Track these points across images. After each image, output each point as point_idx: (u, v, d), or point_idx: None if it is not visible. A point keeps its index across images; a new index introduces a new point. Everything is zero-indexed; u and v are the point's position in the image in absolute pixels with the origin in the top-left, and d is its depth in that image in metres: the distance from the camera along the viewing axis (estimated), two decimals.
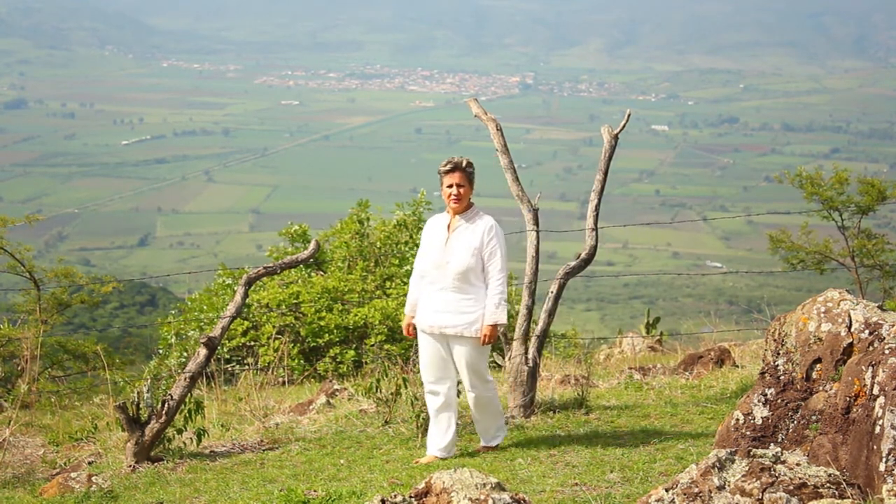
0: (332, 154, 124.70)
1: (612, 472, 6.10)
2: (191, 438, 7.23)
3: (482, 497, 4.41)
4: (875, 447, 4.24)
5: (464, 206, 6.39)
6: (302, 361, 12.77)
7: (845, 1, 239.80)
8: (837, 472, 4.25)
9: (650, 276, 62.02)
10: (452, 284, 6.33)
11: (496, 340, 6.46)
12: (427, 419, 7.25)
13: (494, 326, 6.29)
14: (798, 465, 4.22)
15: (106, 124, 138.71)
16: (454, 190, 6.34)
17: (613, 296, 65.04)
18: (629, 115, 8.47)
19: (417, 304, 6.58)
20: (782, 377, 5.17)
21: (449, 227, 6.43)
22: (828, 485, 4.14)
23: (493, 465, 6.43)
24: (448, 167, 6.38)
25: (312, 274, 13.97)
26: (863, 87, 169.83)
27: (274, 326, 12.62)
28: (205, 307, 13.40)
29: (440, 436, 6.56)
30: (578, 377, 8.92)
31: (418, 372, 7.64)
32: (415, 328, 6.63)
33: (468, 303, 6.31)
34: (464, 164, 6.37)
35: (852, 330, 5.01)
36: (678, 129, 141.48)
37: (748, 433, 5.15)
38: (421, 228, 14.07)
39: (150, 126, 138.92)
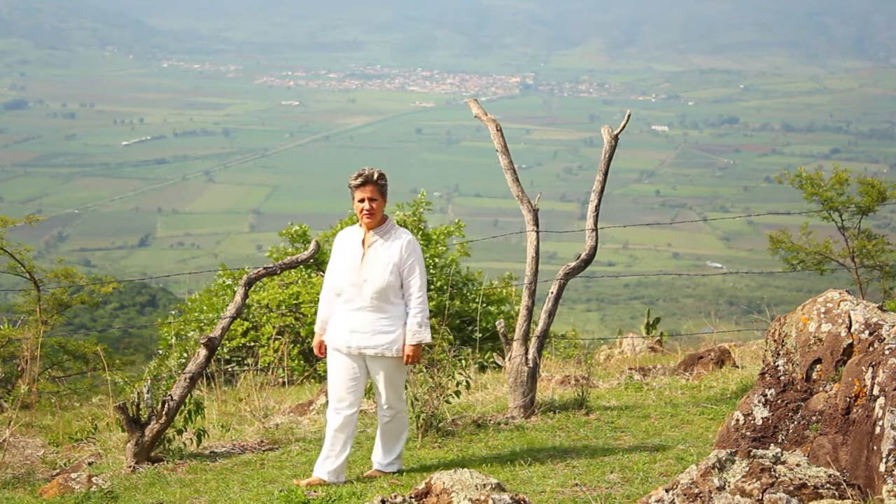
0: (333, 154, 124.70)
1: (612, 472, 6.10)
2: (191, 439, 7.23)
3: (482, 497, 4.41)
4: (875, 448, 4.24)
5: (378, 221, 6.04)
6: (302, 362, 12.76)
7: (845, 1, 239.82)
8: (837, 473, 4.25)
9: (650, 276, 62.01)
10: (370, 303, 6.01)
11: (419, 360, 6.26)
12: (427, 419, 7.26)
13: (418, 346, 6.04)
14: (798, 465, 4.22)
15: (106, 124, 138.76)
16: (366, 204, 5.97)
17: (614, 296, 65.02)
18: (629, 116, 8.47)
19: (328, 321, 6.24)
20: (782, 378, 5.17)
21: (364, 242, 6.08)
22: (828, 485, 4.14)
23: (493, 465, 6.43)
24: (359, 180, 6.00)
25: (312, 274, 13.96)
26: (863, 87, 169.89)
27: (274, 327, 12.62)
28: (205, 308, 13.40)
29: (332, 459, 6.17)
30: (578, 378, 8.92)
31: (418, 372, 7.64)
32: (326, 347, 6.30)
33: (387, 322, 6.02)
34: (375, 176, 6.00)
35: (852, 330, 5.01)
36: (678, 130, 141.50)
37: (748, 434, 5.15)
38: (421, 229, 14.08)
39: (151, 126, 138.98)
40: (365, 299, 6.01)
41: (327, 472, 6.15)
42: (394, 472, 6.32)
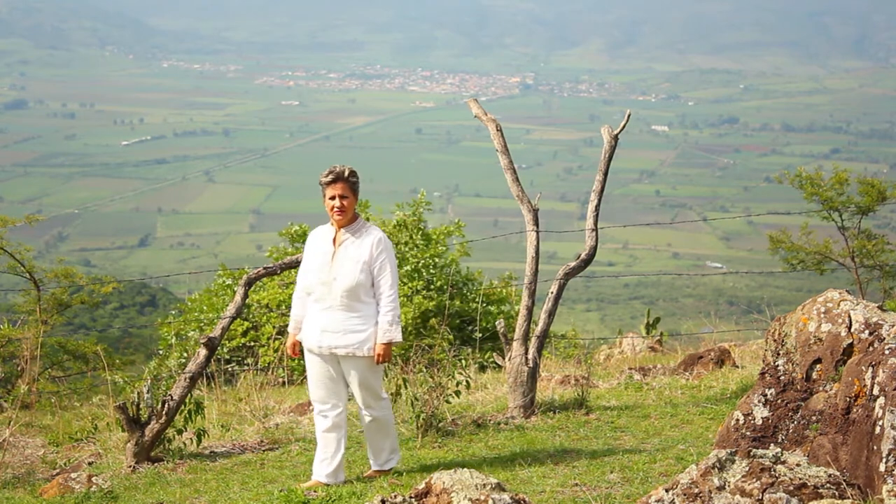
0: (333, 154, 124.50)
1: (612, 472, 6.10)
2: (191, 439, 7.23)
3: (482, 497, 4.41)
4: (875, 447, 4.24)
5: (348, 219, 5.99)
6: (302, 362, 12.75)
7: (845, 1, 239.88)
8: (837, 473, 4.25)
9: (650, 276, 62.00)
10: (340, 302, 5.93)
11: (390, 360, 6.14)
12: (427, 419, 7.25)
13: (389, 344, 5.94)
14: (798, 465, 4.22)
15: (106, 124, 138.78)
16: (337, 202, 5.93)
17: (613, 296, 65.04)
18: (629, 116, 8.48)
19: (302, 321, 6.17)
20: (782, 377, 5.17)
21: (335, 241, 6.02)
22: (828, 485, 4.14)
23: (494, 465, 6.43)
24: (330, 178, 5.95)
25: None
26: (863, 87, 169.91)
27: (274, 327, 12.62)
28: (205, 307, 13.40)
29: (327, 461, 6.13)
30: (578, 377, 8.92)
31: (418, 372, 7.65)
32: (301, 347, 6.25)
33: (357, 321, 5.93)
34: (346, 173, 5.96)
35: (852, 330, 5.01)
36: (678, 130, 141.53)
37: (748, 433, 5.15)
38: (421, 229, 14.07)
39: (151, 126, 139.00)
40: (335, 298, 5.94)
41: (325, 475, 6.13)
42: (392, 469, 6.29)
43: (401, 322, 5.99)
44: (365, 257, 5.92)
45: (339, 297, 5.93)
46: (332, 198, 5.95)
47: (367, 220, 13.08)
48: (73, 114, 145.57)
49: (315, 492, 5.94)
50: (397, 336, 5.93)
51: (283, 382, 10.97)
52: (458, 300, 13.43)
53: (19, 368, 12.01)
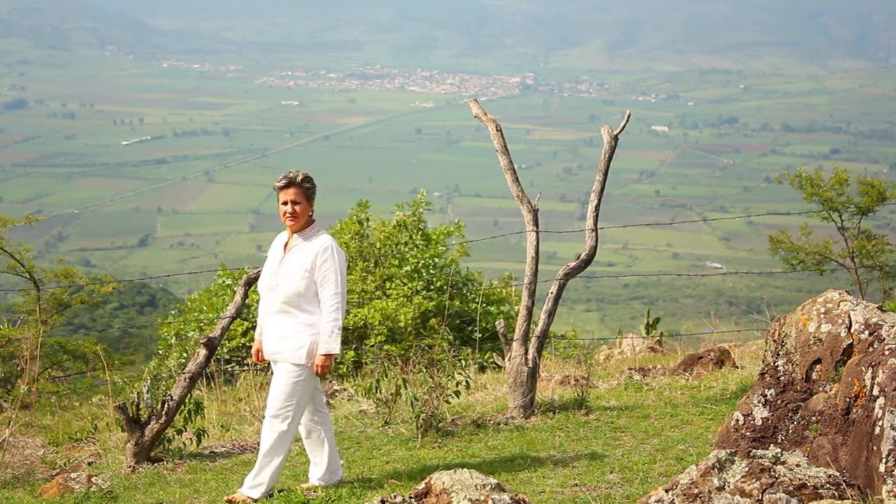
0: (333, 154, 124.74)
1: (611, 472, 6.11)
2: (191, 439, 7.23)
3: (482, 498, 4.41)
4: (875, 448, 4.24)
5: (301, 225, 5.89)
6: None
7: (845, 1, 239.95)
8: (837, 473, 4.25)
9: (650, 276, 62.00)
10: (281, 308, 5.83)
11: (330, 372, 5.92)
12: (427, 419, 7.26)
13: (327, 356, 5.74)
14: (798, 465, 4.22)
15: (106, 124, 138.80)
16: (289, 207, 5.84)
17: (613, 296, 65.05)
18: (629, 116, 8.47)
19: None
20: (782, 378, 5.17)
21: (286, 246, 5.97)
22: (827, 485, 4.14)
23: (493, 465, 6.43)
24: (283, 182, 5.85)
25: None
26: (863, 87, 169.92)
27: None
28: (204, 308, 13.40)
29: (319, 465, 6.07)
30: (578, 378, 8.92)
31: (418, 373, 7.65)
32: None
33: (297, 328, 5.78)
34: (299, 178, 5.86)
35: (852, 331, 5.01)
36: (678, 130, 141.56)
37: (748, 434, 5.15)
38: (421, 229, 14.08)
39: (151, 126, 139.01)
40: (277, 304, 5.84)
41: (318, 478, 6.08)
42: (334, 484, 6.03)
43: (341, 333, 5.77)
44: (308, 265, 5.79)
45: (280, 302, 5.82)
46: (285, 203, 5.85)
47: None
48: (73, 114, 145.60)
49: (315, 492, 5.94)
50: (335, 348, 5.73)
51: None
52: (457, 300, 13.43)
53: (19, 368, 12.01)
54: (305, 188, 5.88)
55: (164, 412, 6.99)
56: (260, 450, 5.94)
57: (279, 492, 5.94)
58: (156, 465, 6.93)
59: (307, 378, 5.83)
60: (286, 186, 5.85)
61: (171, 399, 7.03)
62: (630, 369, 9.52)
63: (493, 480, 4.55)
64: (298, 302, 5.79)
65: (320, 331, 5.77)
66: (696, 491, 4.16)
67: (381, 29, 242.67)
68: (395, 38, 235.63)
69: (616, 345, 13.57)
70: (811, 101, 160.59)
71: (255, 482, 5.92)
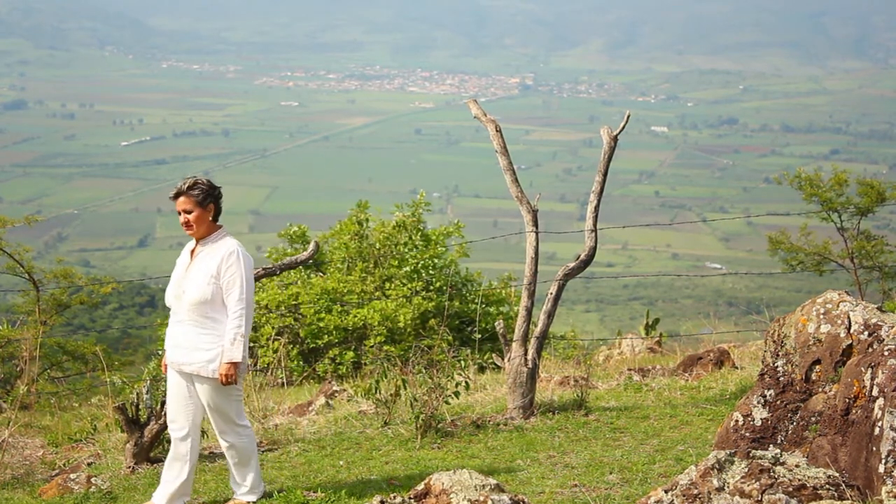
0: (332, 155, 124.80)
1: (611, 473, 6.11)
2: None
3: (481, 498, 4.41)
4: (874, 448, 4.24)
5: (202, 232, 5.71)
6: (301, 362, 12.77)
7: (845, 1, 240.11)
8: (837, 474, 4.25)
9: (650, 277, 62.00)
10: (188, 317, 5.64)
11: (234, 381, 5.61)
12: (426, 420, 7.26)
13: (232, 365, 5.55)
14: (797, 466, 4.22)
15: (106, 125, 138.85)
16: (182, 217, 5.69)
17: (613, 297, 65.06)
18: (629, 117, 8.47)
19: None
20: (782, 378, 5.17)
21: (192, 253, 5.79)
22: (827, 486, 4.14)
23: (493, 466, 6.43)
24: (173, 194, 5.71)
25: (312, 275, 13.97)
26: (863, 88, 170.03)
27: (273, 327, 12.62)
28: None
29: (168, 483, 5.85)
30: (578, 378, 8.92)
31: (418, 373, 7.65)
32: None
33: (207, 338, 5.61)
34: (186, 187, 5.67)
35: (851, 331, 5.01)
36: (678, 131, 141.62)
37: (747, 434, 5.15)
38: (420, 230, 14.09)
39: (150, 127, 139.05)
40: (184, 312, 5.67)
41: (162, 497, 5.86)
42: (253, 502, 5.88)
43: (245, 340, 5.57)
44: (213, 271, 5.62)
45: (187, 311, 5.65)
46: (180, 213, 5.71)
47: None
48: (73, 114, 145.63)
49: (314, 492, 5.94)
50: (237, 356, 5.54)
51: (283, 383, 10.97)
52: (457, 301, 13.44)
53: (18, 369, 12.02)
54: (195, 195, 5.67)
55: (163, 413, 6.99)
56: (230, 460, 5.86)
57: (279, 492, 5.94)
58: (155, 465, 6.93)
59: (232, 386, 5.68)
60: (176, 197, 5.70)
61: None
62: (629, 370, 9.52)
63: (492, 481, 4.55)
64: (205, 310, 5.62)
65: (225, 338, 5.61)
66: (695, 491, 4.16)
67: (381, 29, 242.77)
68: (395, 38, 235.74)
69: (615, 345, 13.58)
70: (811, 101, 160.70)
71: (246, 487, 5.86)
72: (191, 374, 5.69)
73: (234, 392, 5.71)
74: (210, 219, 5.73)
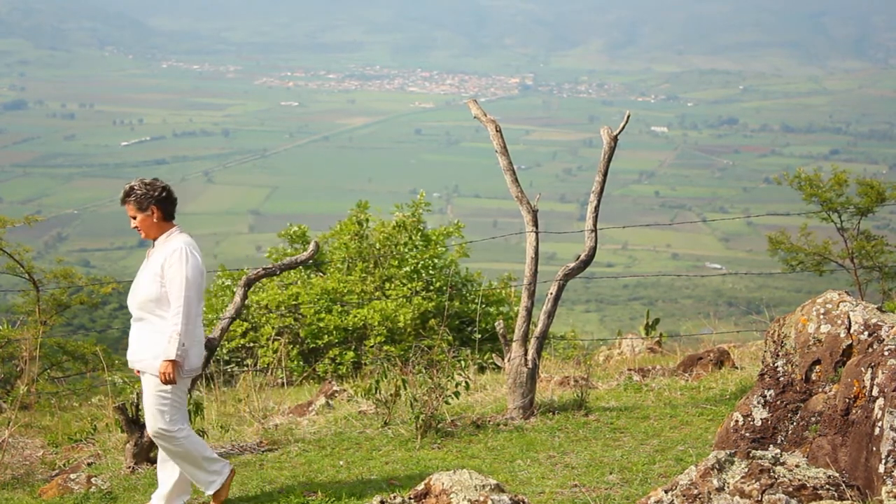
0: (332, 155, 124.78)
1: (611, 473, 6.11)
2: None
3: (481, 498, 4.41)
4: (874, 449, 4.24)
5: (153, 234, 5.75)
6: (301, 362, 12.77)
7: (845, 1, 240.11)
8: (837, 474, 4.25)
9: (650, 277, 61.99)
10: (138, 315, 5.71)
11: (171, 381, 5.55)
12: (426, 420, 7.26)
13: (167, 363, 5.49)
14: (797, 466, 4.22)
15: (105, 125, 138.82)
16: (131, 223, 5.76)
17: (613, 297, 65.04)
18: (628, 117, 8.47)
19: None
20: (782, 378, 5.17)
21: (148, 253, 5.86)
22: (827, 486, 4.14)
23: (493, 466, 6.43)
24: (120, 201, 5.79)
25: (312, 275, 13.97)
26: (863, 88, 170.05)
27: (273, 328, 12.63)
28: (204, 308, 13.39)
29: (164, 483, 5.91)
30: (578, 378, 8.92)
31: (418, 373, 7.65)
32: None
33: (155, 336, 5.60)
34: (122, 195, 5.75)
35: (852, 331, 5.01)
36: (678, 131, 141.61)
37: (747, 434, 5.15)
38: (420, 230, 14.09)
39: (150, 127, 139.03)
40: (135, 311, 5.73)
41: (157, 497, 5.91)
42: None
43: (179, 339, 5.49)
44: (157, 269, 5.65)
45: (137, 309, 5.71)
46: (130, 219, 5.79)
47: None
48: (73, 114, 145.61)
49: (314, 493, 5.94)
50: (170, 354, 5.48)
51: (283, 383, 10.97)
52: (457, 301, 13.44)
53: (18, 369, 12.01)
54: (132, 202, 5.72)
55: None
56: (162, 464, 5.84)
57: (279, 492, 5.94)
58: (155, 465, 6.92)
59: (172, 387, 5.64)
60: (122, 204, 5.79)
61: None
62: (629, 370, 9.52)
63: (492, 481, 4.55)
64: (153, 308, 5.64)
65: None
66: (695, 492, 4.16)
67: (381, 29, 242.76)
68: (395, 38, 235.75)
69: (615, 345, 13.58)
70: (810, 101, 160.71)
71: (209, 478, 5.82)
72: (137, 370, 5.73)
73: (170, 395, 5.65)
74: (155, 220, 5.75)
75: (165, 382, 5.54)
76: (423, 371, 7.58)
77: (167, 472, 5.86)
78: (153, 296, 5.62)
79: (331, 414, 8.32)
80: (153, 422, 5.68)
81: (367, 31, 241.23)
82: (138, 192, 5.71)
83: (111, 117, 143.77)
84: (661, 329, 14.62)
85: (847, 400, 4.64)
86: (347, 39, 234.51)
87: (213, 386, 9.32)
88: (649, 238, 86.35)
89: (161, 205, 5.73)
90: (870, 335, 4.94)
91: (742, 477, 4.15)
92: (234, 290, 8.86)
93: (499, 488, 4.52)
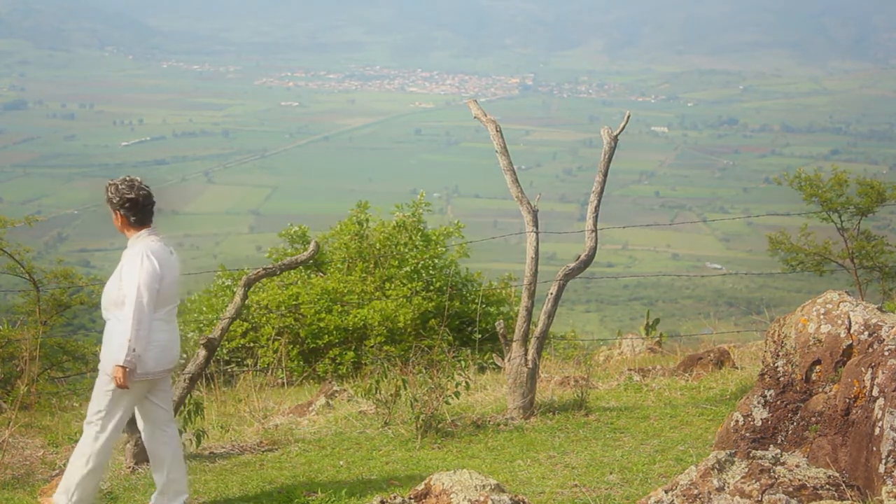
0: (332, 155, 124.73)
1: (611, 473, 6.10)
2: (190, 440, 7.22)
3: (482, 498, 4.41)
4: (874, 449, 4.24)
5: (127, 235, 5.84)
6: (301, 363, 12.76)
7: (845, 2, 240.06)
8: (837, 474, 4.25)
9: (650, 277, 61.94)
10: (105, 314, 5.74)
11: (123, 385, 5.50)
12: (427, 420, 7.25)
13: (117, 367, 5.46)
14: (797, 466, 4.22)
15: (105, 125, 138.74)
16: None
17: (613, 297, 64.99)
18: (628, 117, 8.48)
19: None
20: (782, 379, 5.17)
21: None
22: (827, 486, 4.14)
23: (493, 466, 6.43)
24: None
25: (312, 275, 13.97)
26: (863, 88, 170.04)
27: (273, 328, 12.62)
28: (204, 308, 13.40)
29: (157, 485, 5.94)
30: (578, 378, 8.92)
31: (418, 373, 7.65)
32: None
33: (115, 337, 5.59)
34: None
35: (852, 331, 5.01)
36: (678, 131, 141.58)
37: (748, 434, 5.15)
38: (421, 230, 14.09)
39: (150, 127, 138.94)
40: (102, 310, 5.78)
41: (154, 498, 5.92)
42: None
43: (129, 345, 5.45)
44: (119, 272, 5.70)
45: (103, 309, 5.76)
46: None
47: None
48: (73, 114, 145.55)
49: (314, 492, 5.94)
50: (119, 359, 5.45)
51: (283, 383, 10.97)
52: (457, 301, 13.43)
53: (19, 369, 12.00)
54: (106, 200, 5.83)
55: None
56: (71, 460, 5.78)
57: (279, 492, 5.94)
58: None
59: (120, 391, 5.60)
60: None
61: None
62: (630, 370, 9.52)
63: (492, 481, 4.55)
64: (114, 309, 5.65)
65: None
66: (695, 492, 4.16)
67: (381, 29, 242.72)
68: (395, 38, 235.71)
69: (616, 345, 13.58)
70: (811, 102, 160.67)
71: (63, 487, 5.73)
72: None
73: (108, 395, 5.61)
74: (121, 224, 5.82)
75: (119, 386, 5.52)
76: (424, 371, 7.58)
77: (159, 474, 5.85)
78: (114, 298, 5.64)
79: (331, 414, 8.32)
80: (89, 412, 5.70)
81: (367, 32, 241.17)
82: (108, 193, 5.81)
83: (111, 117, 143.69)
84: (662, 329, 14.62)
85: (847, 400, 4.64)
86: (347, 39, 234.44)
87: (213, 386, 9.32)
88: (649, 238, 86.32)
89: (123, 212, 5.77)
90: (870, 335, 4.94)
91: (742, 477, 4.15)
92: (235, 290, 8.87)
93: (499, 488, 4.52)
